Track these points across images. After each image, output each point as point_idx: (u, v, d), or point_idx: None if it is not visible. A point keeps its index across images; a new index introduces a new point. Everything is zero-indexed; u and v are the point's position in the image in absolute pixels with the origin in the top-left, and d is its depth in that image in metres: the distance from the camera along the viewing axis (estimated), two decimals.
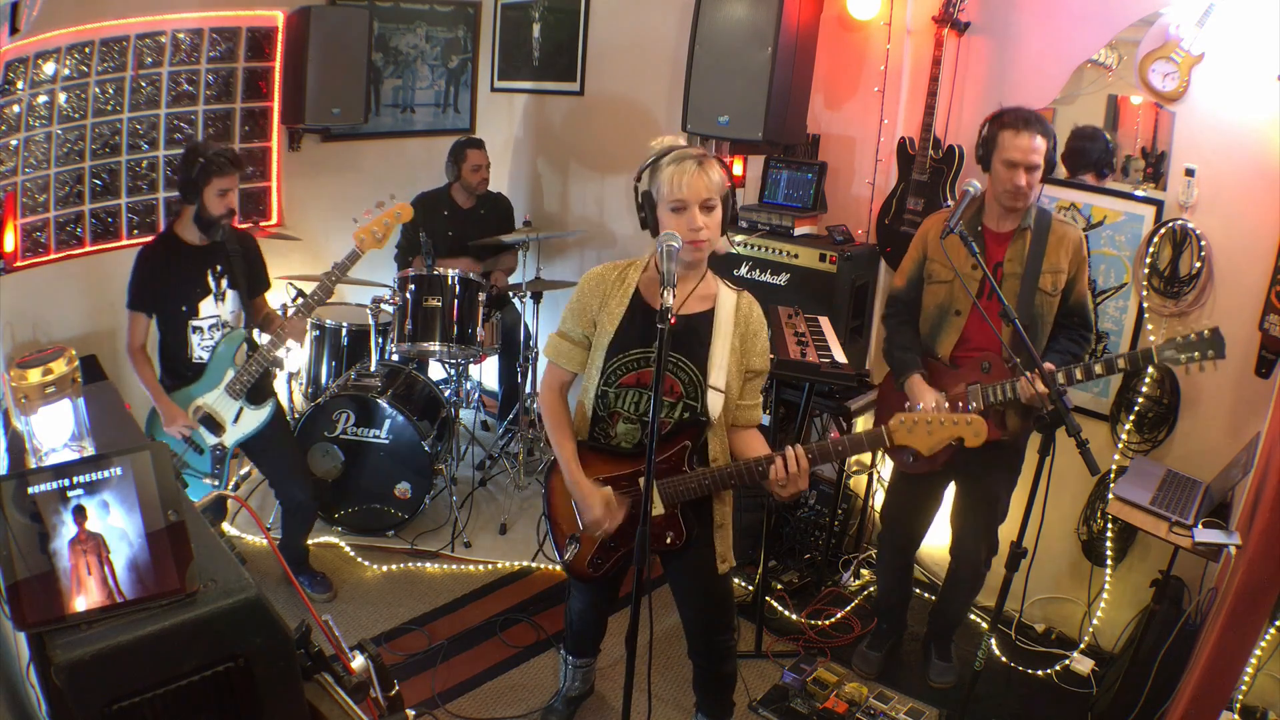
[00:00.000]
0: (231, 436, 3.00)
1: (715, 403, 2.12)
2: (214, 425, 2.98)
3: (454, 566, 3.59)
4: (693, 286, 2.14)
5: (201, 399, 2.96)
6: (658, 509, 2.15)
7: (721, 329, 2.14)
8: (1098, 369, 2.40)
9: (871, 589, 3.48)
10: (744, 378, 2.19)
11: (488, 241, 4.27)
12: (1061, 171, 3.12)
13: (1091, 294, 3.07)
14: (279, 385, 3.50)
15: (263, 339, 3.03)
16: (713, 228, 2.05)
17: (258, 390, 3.01)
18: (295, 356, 4.25)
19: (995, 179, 2.53)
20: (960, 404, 2.57)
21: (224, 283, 2.95)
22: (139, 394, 3.36)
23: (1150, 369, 2.96)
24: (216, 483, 3.02)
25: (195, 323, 2.93)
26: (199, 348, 2.96)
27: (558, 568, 3.53)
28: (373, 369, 3.80)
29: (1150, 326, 3.00)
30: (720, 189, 2.04)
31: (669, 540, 2.19)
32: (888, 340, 2.84)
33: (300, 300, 3.03)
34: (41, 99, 3.54)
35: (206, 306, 2.94)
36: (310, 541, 3.63)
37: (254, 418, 3.02)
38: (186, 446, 2.96)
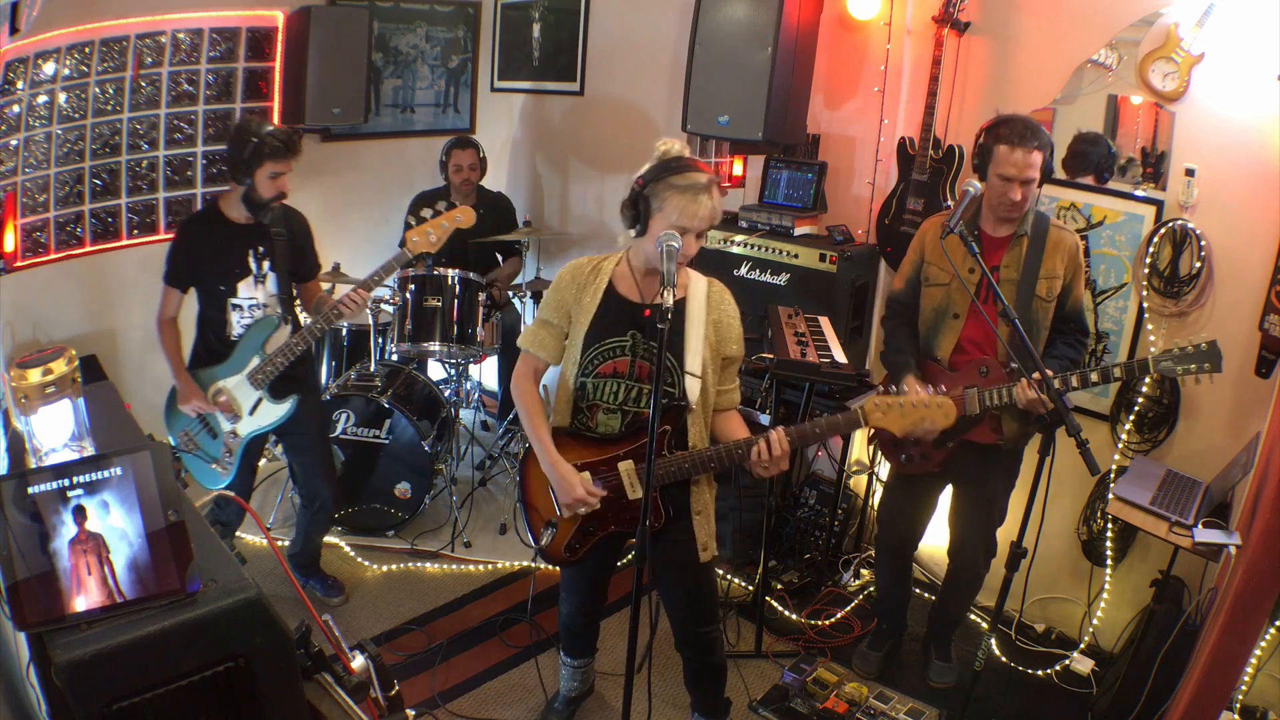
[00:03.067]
0: (246, 427, 2.90)
1: (693, 388, 2.16)
2: (232, 411, 2.89)
3: (454, 566, 3.59)
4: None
5: (223, 382, 2.86)
6: (636, 492, 2.19)
7: (694, 317, 2.18)
8: (1094, 377, 2.40)
9: (871, 589, 3.48)
10: (720, 364, 2.25)
11: (486, 240, 4.26)
12: (1061, 175, 3.11)
13: (1091, 294, 3.07)
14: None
15: (305, 319, 2.94)
16: (698, 247, 2.15)
17: (283, 384, 2.90)
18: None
19: (991, 190, 2.53)
20: (958, 407, 2.57)
21: (265, 265, 2.83)
22: (139, 394, 3.37)
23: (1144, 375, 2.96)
24: (223, 471, 2.93)
25: (234, 301, 2.83)
26: (239, 325, 2.86)
27: (558, 568, 3.53)
28: (373, 369, 3.80)
29: (1150, 326, 3.00)
30: (718, 218, 2.13)
31: (648, 523, 2.18)
32: (884, 344, 2.85)
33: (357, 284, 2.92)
34: (41, 99, 3.54)
35: (245, 287, 2.83)
36: None
37: (272, 411, 2.90)
38: (200, 427, 2.89)
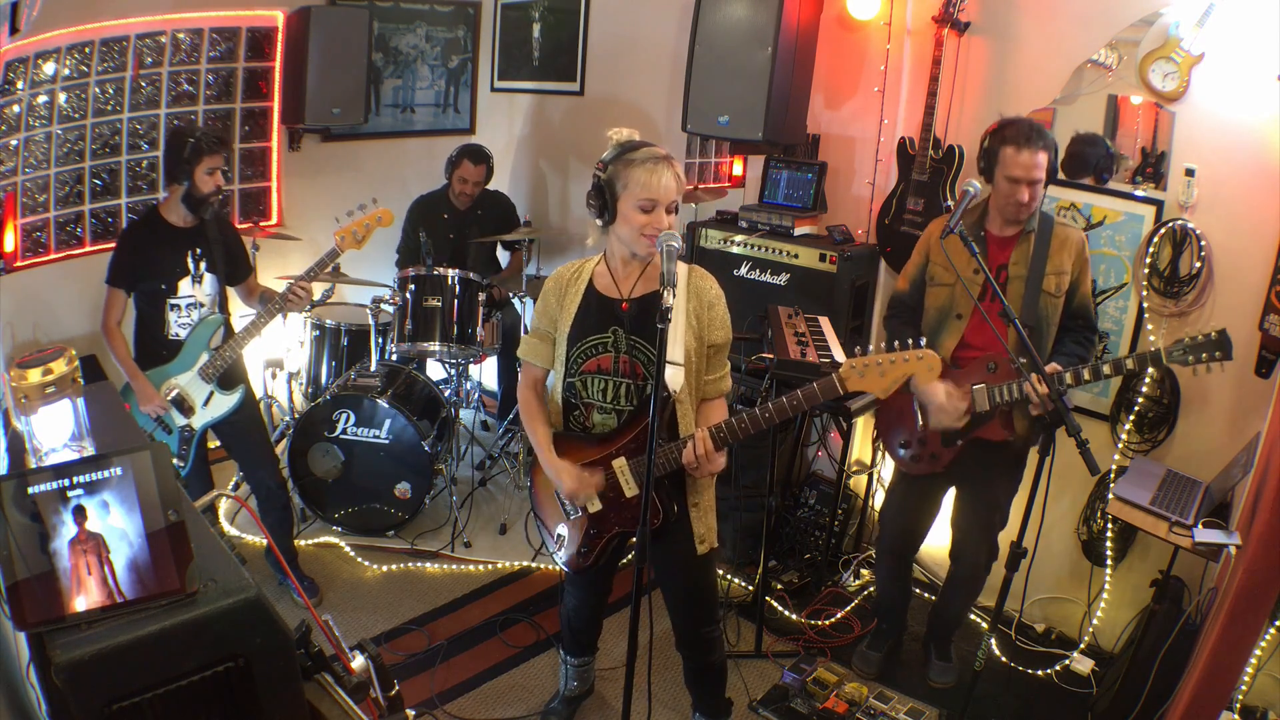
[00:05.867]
0: (200, 419, 3.04)
1: (675, 377, 2.16)
2: (184, 406, 3.03)
3: (454, 566, 3.59)
4: (641, 270, 2.21)
5: (175, 379, 3.01)
6: (631, 489, 2.19)
7: (675, 305, 2.15)
8: (1105, 369, 2.40)
9: (871, 589, 3.48)
10: (706, 352, 2.24)
11: (485, 240, 4.26)
12: (1060, 176, 3.11)
13: (1092, 294, 3.07)
14: (256, 375, 3.53)
15: (243, 319, 3.10)
16: (672, 227, 2.12)
17: (229, 376, 3.07)
18: (295, 356, 4.26)
19: (998, 192, 2.55)
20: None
21: (202, 265, 3.01)
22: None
23: (1151, 369, 2.96)
24: (181, 464, 3.06)
25: (173, 301, 2.99)
26: (176, 325, 3.01)
27: (557, 567, 3.53)
28: (373, 369, 3.80)
29: (1150, 326, 3.00)
30: (683, 190, 2.13)
31: (650, 520, 2.19)
32: (888, 330, 2.83)
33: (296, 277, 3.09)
34: (41, 99, 3.54)
35: (184, 286, 3.00)
36: (310, 542, 3.64)
37: (223, 402, 3.05)
38: (156, 425, 3.01)
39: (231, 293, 3.18)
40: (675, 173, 2.08)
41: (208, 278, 3.03)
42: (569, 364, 2.24)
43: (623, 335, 2.19)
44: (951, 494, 2.89)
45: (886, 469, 3.54)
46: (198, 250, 2.99)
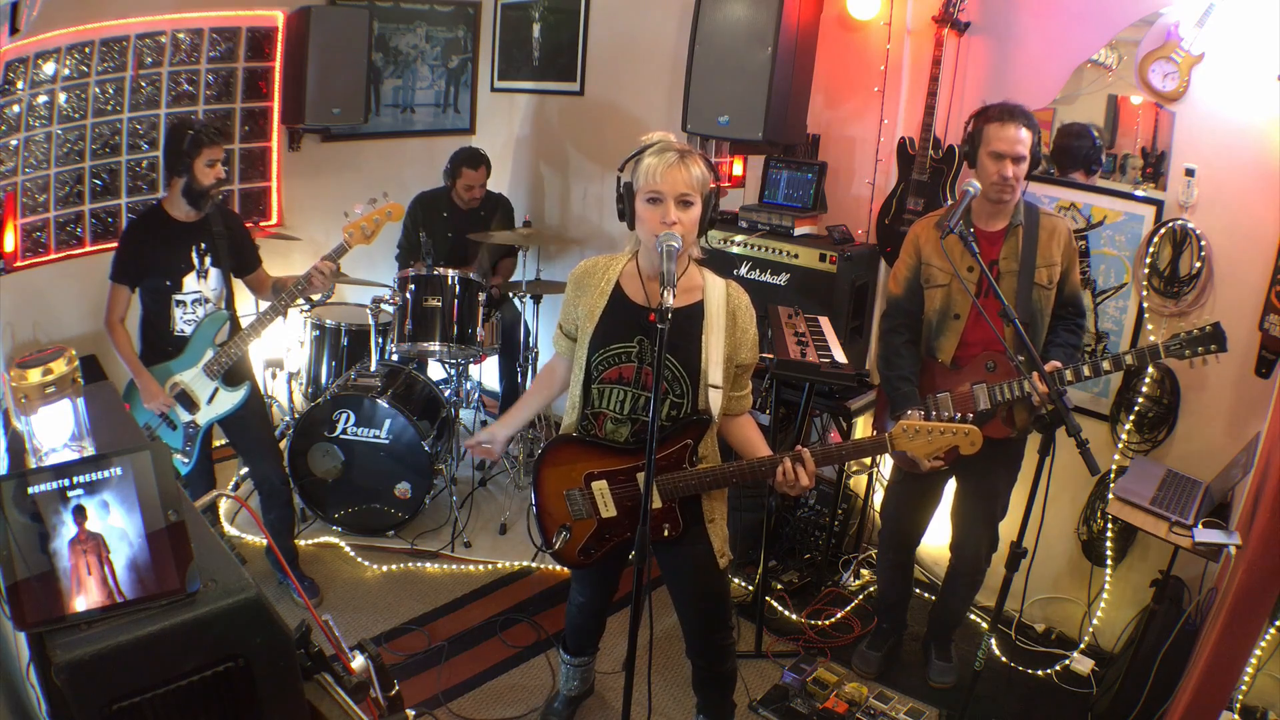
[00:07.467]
0: (205, 415, 3.04)
1: (715, 400, 2.09)
2: (189, 402, 3.02)
3: (454, 566, 3.59)
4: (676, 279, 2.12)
5: (179, 376, 3.00)
6: (656, 503, 2.16)
7: (713, 324, 2.10)
8: (1105, 365, 2.41)
9: (871, 589, 3.49)
10: (732, 372, 2.17)
11: (480, 238, 4.26)
12: (1052, 172, 3.12)
13: (1091, 294, 3.08)
14: (256, 375, 3.50)
15: (247, 316, 3.11)
16: (687, 225, 2.00)
17: (234, 373, 3.06)
18: (295, 356, 4.26)
19: (982, 172, 2.53)
20: (966, 403, 2.57)
21: (207, 260, 2.99)
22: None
23: (1150, 369, 2.96)
24: (186, 460, 3.06)
25: (178, 297, 2.97)
26: (181, 322, 2.99)
27: (558, 567, 3.53)
28: (373, 369, 3.80)
29: (1150, 327, 3.00)
30: (701, 187, 2.00)
31: (666, 532, 2.18)
32: (886, 361, 2.75)
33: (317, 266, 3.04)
34: (41, 99, 3.54)
35: (190, 282, 2.97)
36: (310, 542, 3.64)
37: (228, 399, 3.05)
38: (160, 421, 3.01)
39: (238, 287, 3.15)
40: (686, 164, 1.96)
41: (213, 273, 3.01)
42: (589, 370, 2.16)
43: (648, 346, 2.09)
44: (951, 487, 2.90)
45: (886, 469, 3.54)
46: (202, 245, 2.97)
